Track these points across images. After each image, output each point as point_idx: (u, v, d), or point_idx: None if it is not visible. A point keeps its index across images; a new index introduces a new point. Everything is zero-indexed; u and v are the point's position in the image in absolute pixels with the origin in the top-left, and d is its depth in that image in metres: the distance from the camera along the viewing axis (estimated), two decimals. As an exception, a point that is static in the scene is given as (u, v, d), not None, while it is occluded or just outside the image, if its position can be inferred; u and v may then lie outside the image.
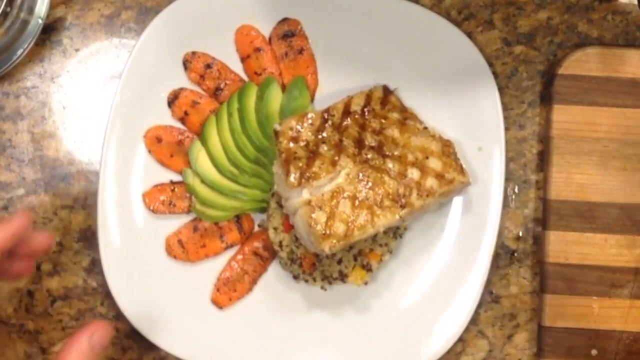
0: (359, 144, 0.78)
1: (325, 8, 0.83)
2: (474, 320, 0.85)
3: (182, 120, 0.84)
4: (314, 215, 0.75)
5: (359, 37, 0.84)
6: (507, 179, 0.85)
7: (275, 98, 0.84)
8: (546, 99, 0.85)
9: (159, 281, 0.83)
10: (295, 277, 0.83)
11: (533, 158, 0.86)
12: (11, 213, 0.85)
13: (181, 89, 0.84)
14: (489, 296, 0.85)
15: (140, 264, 0.83)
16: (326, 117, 0.79)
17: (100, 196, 0.82)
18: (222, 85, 0.84)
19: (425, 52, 0.83)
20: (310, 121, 0.79)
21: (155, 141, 0.84)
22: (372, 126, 0.79)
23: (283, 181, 0.77)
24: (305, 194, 0.76)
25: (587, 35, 0.86)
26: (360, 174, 0.77)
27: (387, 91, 0.81)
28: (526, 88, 0.86)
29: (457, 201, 0.84)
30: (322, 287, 0.83)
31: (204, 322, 0.83)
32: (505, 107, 0.85)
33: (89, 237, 0.85)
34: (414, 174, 0.77)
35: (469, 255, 0.83)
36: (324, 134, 0.78)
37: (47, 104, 0.86)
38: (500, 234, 0.84)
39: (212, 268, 0.84)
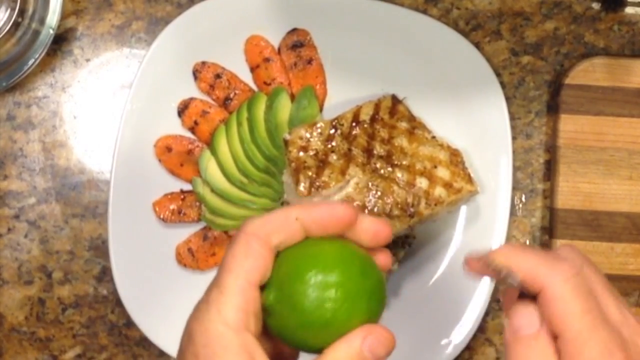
0: (368, 153, 0.78)
1: (334, 19, 0.84)
2: (481, 328, 0.85)
3: (192, 129, 0.85)
4: (323, 224, 0.76)
5: (368, 47, 0.84)
6: (514, 188, 0.86)
7: (285, 108, 0.84)
8: (553, 108, 0.86)
9: (169, 289, 0.84)
10: (304, 286, 0.83)
11: (540, 167, 0.86)
12: (22, 222, 0.86)
13: (191, 99, 0.85)
14: (496, 304, 0.86)
15: (151, 272, 0.84)
16: (335, 126, 0.79)
17: (110, 205, 0.83)
18: (231, 95, 0.85)
19: (434, 62, 0.84)
20: (319, 130, 0.79)
21: (165, 150, 0.84)
22: (381, 135, 0.79)
23: (293, 190, 0.78)
24: (315, 203, 0.77)
25: (593, 46, 0.87)
26: (370, 183, 0.77)
27: (395, 100, 0.81)
28: (533, 98, 0.86)
29: (465, 210, 0.84)
30: (330, 295, 0.83)
31: (214, 330, 0.84)
32: (513, 117, 0.86)
33: (99, 246, 0.86)
34: (422, 183, 0.78)
35: (476, 263, 0.84)
36: (333, 143, 0.79)
37: (58, 114, 0.87)
38: (507, 243, 0.85)
39: (222, 276, 0.84)
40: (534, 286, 0.51)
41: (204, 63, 0.85)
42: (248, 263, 0.52)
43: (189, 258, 0.84)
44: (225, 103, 0.85)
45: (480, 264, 0.54)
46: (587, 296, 0.51)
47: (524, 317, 0.52)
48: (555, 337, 0.51)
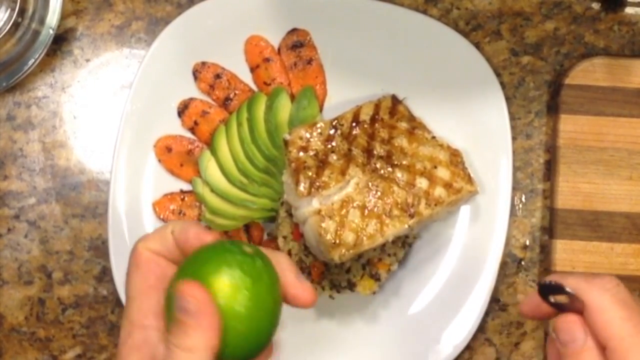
0: (368, 153, 0.78)
1: (334, 19, 0.84)
2: (481, 328, 0.85)
3: (192, 129, 0.85)
4: (323, 225, 0.76)
5: (368, 47, 0.84)
6: (514, 188, 0.86)
7: (285, 108, 0.84)
8: (553, 108, 0.86)
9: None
10: (304, 286, 0.83)
11: (540, 167, 0.86)
12: (22, 222, 0.86)
13: (191, 99, 0.85)
14: (496, 304, 0.86)
15: (151, 273, 0.83)
16: (335, 126, 0.79)
17: (110, 205, 0.83)
18: (231, 95, 0.85)
19: (434, 62, 0.84)
20: (319, 130, 0.79)
21: (166, 150, 0.84)
22: (381, 136, 0.79)
23: (293, 190, 0.78)
24: (315, 203, 0.77)
25: (593, 46, 0.87)
26: (370, 184, 0.77)
27: (395, 101, 0.81)
28: (533, 98, 0.86)
29: (465, 210, 0.84)
30: (330, 296, 0.83)
31: (214, 330, 0.84)
32: (513, 117, 0.86)
33: (99, 246, 0.86)
34: (422, 183, 0.78)
35: (476, 263, 0.84)
36: (333, 144, 0.79)
37: (58, 114, 0.87)
38: (507, 243, 0.85)
39: (222, 276, 0.84)
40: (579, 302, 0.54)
41: (204, 63, 0.85)
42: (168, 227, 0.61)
43: (189, 258, 0.84)
44: (225, 103, 0.85)
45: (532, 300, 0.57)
46: (625, 305, 0.53)
47: (570, 332, 0.54)
48: (603, 349, 0.52)
